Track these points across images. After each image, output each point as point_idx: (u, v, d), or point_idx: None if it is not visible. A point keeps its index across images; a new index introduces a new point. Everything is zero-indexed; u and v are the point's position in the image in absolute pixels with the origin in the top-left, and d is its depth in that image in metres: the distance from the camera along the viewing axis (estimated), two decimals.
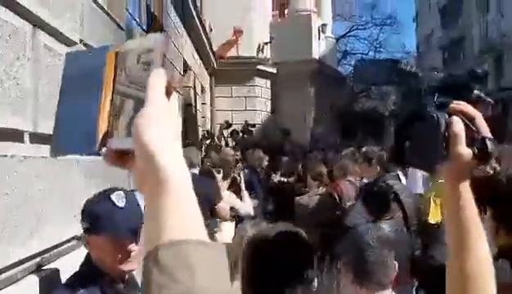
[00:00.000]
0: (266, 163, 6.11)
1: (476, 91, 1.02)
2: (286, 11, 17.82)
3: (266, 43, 16.36)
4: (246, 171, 5.79)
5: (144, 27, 6.13)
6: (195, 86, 11.59)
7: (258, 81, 16.15)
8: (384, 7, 49.75)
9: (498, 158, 2.36)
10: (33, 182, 2.03)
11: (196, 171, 4.65)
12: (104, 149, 0.60)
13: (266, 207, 5.28)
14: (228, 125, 11.17)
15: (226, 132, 11.49)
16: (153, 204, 0.52)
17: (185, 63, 10.06)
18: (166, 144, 0.54)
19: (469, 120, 0.90)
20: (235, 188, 4.81)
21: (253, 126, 11.38)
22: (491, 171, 1.96)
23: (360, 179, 4.89)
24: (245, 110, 15.19)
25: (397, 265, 1.69)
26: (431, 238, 2.16)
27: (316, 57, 17.14)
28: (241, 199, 4.64)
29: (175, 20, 8.75)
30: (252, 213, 4.10)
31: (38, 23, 2.02)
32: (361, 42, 37.08)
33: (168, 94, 0.58)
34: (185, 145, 7.17)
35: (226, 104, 15.18)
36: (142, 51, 0.59)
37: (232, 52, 15.73)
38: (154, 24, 6.77)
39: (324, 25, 17.50)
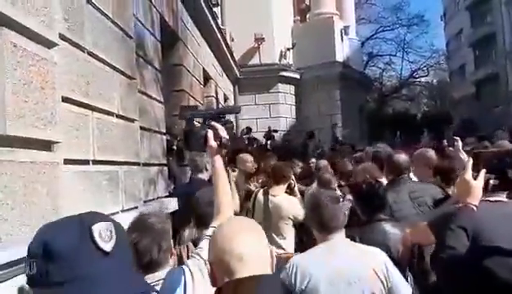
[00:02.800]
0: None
1: (224, 119, 2.14)
2: (308, 16, 17.66)
3: (288, 49, 16.26)
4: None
5: (158, 37, 6.10)
6: (217, 96, 11.57)
7: (282, 87, 16.04)
8: (411, 8, 48.84)
9: None
10: None
11: (204, 175, 4.53)
12: None
13: None
14: (248, 130, 11.03)
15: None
16: None
17: (205, 73, 10.04)
18: None
19: (216, 130, 2.01)
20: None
21: (276, 131, 11.20)
22: None
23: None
24: (270, 118, 15.09)
25: (346, 214, 2.38)
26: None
27: (340, 60, 16.86)
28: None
29: (192, 29, 8.75)
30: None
31: (4, 21, 1.93)
32: (387, 44, 36.58)
33: None
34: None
35: (251, 112, 15.12)
36: None
37: (255, 60, 15.69)
38: (167, 33, 6.75)
39: (346, 27, 17.20)
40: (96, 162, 3.61)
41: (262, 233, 1.37)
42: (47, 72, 2.12)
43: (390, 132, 21.69)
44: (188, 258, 2.10)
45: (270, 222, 4.11)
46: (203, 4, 9.11)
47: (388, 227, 2.70)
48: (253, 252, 1.27)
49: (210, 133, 2.00)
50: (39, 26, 2.14)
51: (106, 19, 4.02)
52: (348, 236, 2.73)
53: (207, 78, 10.59)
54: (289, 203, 3.93)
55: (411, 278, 2.52)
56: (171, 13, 6.97)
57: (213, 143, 2.00)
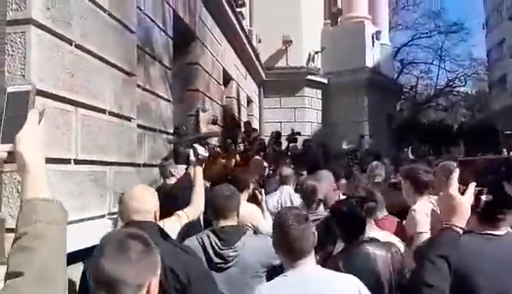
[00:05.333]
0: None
1: (204, 141, 3.58)
2: (339, 20, 17.22)
3: (316, 52, 15.88)
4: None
5: (169, 33, 5.90)
6: (238, 97, 11.33)
7: (309, 91, 15.67)
8: (450, 15, 47.41)
9: None
10: None
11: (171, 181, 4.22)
12: None
13: None
14: (278, 135, 10.64)
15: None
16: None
17: (226, 73, 9.82)
18: (35, 153, 1.07)
19: (195, 150, 3.24)
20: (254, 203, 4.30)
21: (299, 134, 10.75)
22: None
23: None
24: (295, 122, 14.74)
25: (316, 234, 2.03)
26: None
27: (370, 65, 16.32)
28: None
29: (212, 28, 8.55)
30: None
31: None
32: (424, 51, 35.49)
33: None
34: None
35: (275, 116, 14.83)
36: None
37: (282, 62, 15.40)
38: (182, 30, 6.54)
39: (378, 32, 16.60)
40: (78, 161, 3.41)
41: (151, 196, 2.32)
42: None
43: (422, 143, 20.94)
44: None
45: None
46: (225, 4, 8.90)
47: (373, 249, 2.37)
48: (142, 207, 2.20)
49: (191, 152, 3.10)
50: None
51: (102, 11, 3.82)
52: (327, 262, 2.43)
53: (228, 79, 10.37)
54: (244, 211, 3.56)
55: None
56: (187, 10, 6.77)
57: (192, 158, 3.14)
